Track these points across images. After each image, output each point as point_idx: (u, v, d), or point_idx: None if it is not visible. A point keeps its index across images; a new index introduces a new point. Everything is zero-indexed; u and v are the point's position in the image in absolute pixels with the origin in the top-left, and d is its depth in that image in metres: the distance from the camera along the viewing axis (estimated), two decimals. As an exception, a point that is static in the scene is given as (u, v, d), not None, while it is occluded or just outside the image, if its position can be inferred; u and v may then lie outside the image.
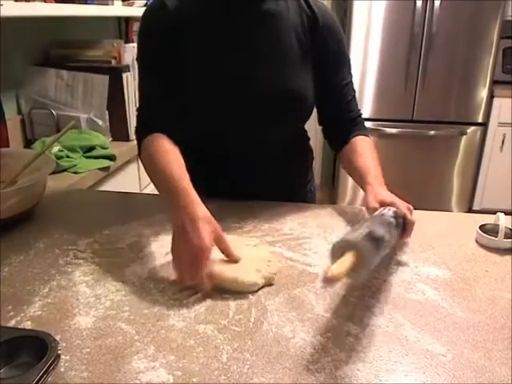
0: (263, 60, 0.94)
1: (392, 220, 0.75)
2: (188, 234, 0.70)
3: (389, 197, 0.83)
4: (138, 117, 0.98)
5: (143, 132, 0.94)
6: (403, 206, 0.81)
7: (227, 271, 0.72)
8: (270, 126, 0.98)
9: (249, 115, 0.95)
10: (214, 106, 0.95)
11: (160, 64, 0.94)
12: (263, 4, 0.93)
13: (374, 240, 0.64)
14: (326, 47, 0.98)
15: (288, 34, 0.95)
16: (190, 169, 1.03)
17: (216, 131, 0.99)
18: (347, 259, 0.59)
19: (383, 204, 0.81)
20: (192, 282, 0.70)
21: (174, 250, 0.72)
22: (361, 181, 0.92)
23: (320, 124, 1.08)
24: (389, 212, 0.77)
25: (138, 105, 1.00)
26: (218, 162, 1.03)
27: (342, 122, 1.04)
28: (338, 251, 0.62)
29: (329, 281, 0.56)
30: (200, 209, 0.73)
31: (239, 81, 0.93)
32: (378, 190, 0.86)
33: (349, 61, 1.04)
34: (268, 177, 1.04)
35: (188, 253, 0.69)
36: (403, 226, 0.79)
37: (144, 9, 0.99)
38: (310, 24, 0.96)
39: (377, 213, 0.78)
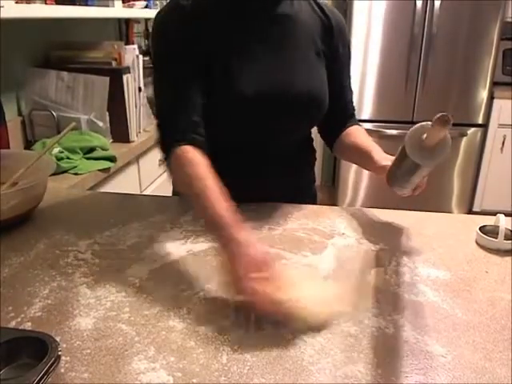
0: (280, 62, 0.94)
1: None
2: (245, 254, 0.65)
3: None
4: (164, 124, 0.92)
5: (173, 139, 0.88)
6: None
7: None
8: (286, 128, 0.98)
9: (267, 117, 0.94)
10: (231, 108, 0.93)
11: (179, 64, 0.91)
12: (278, 7, 0.93)
13: None
14: (337, 50, 1.00)
15: (303, 36, 0.96)
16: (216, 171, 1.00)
17: (231, 132, 0.97)
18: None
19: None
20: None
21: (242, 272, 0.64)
22: (365, 154, 0.95)
23: None
24: None
25: (158, 112, 0.94)
26: (230, 161, 1.01)
27: (338, 121, 1.07)
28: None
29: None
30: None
31: (257, 83, 0.92)
32: (385, 155, 0.91)
33: (351, 64, 1.07)
34: (279, 177, 1.03)
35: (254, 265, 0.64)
36: None
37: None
38: (323, 27, 0.98)
39: None
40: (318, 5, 1.00)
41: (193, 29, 0.90)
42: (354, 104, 1.10)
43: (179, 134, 0.88)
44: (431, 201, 3.06)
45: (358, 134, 1.04)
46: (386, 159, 0.89)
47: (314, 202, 1.15)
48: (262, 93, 0.92)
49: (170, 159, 0.87)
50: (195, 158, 0.83)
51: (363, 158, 0.97)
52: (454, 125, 2.91)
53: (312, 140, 1.13)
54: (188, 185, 0.80)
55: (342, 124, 1.07)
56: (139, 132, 1.90)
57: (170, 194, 1.15)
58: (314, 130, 1.12)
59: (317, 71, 0.98)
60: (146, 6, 2.08)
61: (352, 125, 1.07)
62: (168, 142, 0.89)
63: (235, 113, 0.94)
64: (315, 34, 0.97)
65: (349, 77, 1.08)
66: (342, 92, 1.06)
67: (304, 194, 1.12)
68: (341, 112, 1.07)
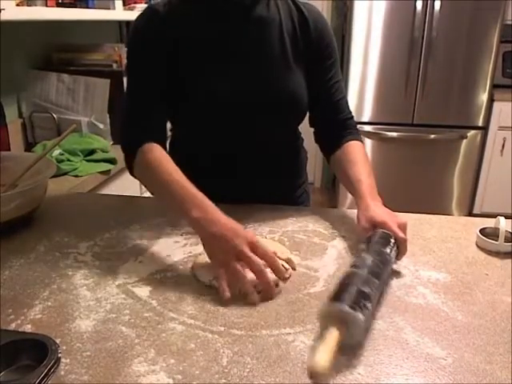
0: (257, 65, 0.95)
1: (387, 257, 0.73)
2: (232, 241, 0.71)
3: (380, 215, 0.81)
4: (128, 125, 0.96)
5: (136, 142, 0.92)
6: (394, 224, 0.78)
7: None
8: (266, 128, 0.99)
9: (245, 117, 0.95)
10: (209, 109, 0.95)
11: (152, 71, 0.94)
12: (254, 10, 0.94)
13: (362, 298, 0.61)
14: (316, 48, 0.99)
15: (280, 37, 0.95)
16: (187, 170, 1.02)
17: (212, 133, 0.99)
18: (330, 340, 0.55)
19: (373, 223, 0.80)
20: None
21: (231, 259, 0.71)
22: (354, 192, 0.90)
23: (311, 126, 1.07)
24: (384, 249, 0.74)
25: (124, 111, 0.97)
26: (214, 162, 1.03)
27: (333, 124, 1.03)
28: (325, 319, 0.60)
29: (316, 378, 0.52)
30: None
31: (232, 85, 0.94)
32: (370, 205, 0.84)
33: (338, 62, 1.03)
34: (264, 177, 1.03)
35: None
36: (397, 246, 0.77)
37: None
38: (300, 26, 0.97)
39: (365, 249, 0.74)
40: (296, 5, 0.99)
41: (164, 33, 0.92)
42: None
43: (143, 133, 0.93)
44: (431, 203, 3.07)
45: (355, 162, 0.95)
46: (365, 219, 0.82)
47: (308, 202, 1.15)
48: (237, 94, 0.93)
49: (134, 158, 0.91)
50: (161, 156, 0.89)
51: (353, 194, 0.91)
52: (455, 127, 2.90)
53: (301, 140, 1.13)
54: (156, 180, 0.86)
55: (339, 128, 1.02)
56: (139, 134, 1.89)
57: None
58: (306, 131, 1.10)
59: (293, 73, 0.97)
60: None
61: (351, 139, 1.00)
62: (132, 141, 0.93)
63: (211, 113, 0.95)
64: (291, 35, 0.97)
65: (337, 75, 1.03)
66: (329, 90, 1.01)
67: (298, 194, 1.12)
68: (332, 112, 1.03)
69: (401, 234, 0.77)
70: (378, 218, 0.80)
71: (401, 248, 0.77)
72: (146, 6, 1.95)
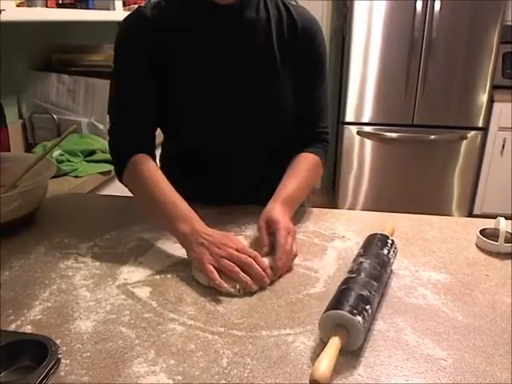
0: (244, 67, 0.94)
1: (385, 259, 0.73)
2: (216, 243, 0.75)
3: (277, 214, 0.83)
4: (117, 133, 0.97)
5: (126, 151, 0.93)
6: (283, 228, 0.80)
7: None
8: (258, 129, 0.98)
9: (236, 118, 0.95)
10: (199, 114, 0.95)
11: (139, 76, 0.93)
12: (244, 14, 0.93)
13: (361, 301, 0.61)
14: (303, 50, 0.96)
15: (269, 42, 0.94)
16: (180, 172, 1.02)
17: (205, 134, 0.98)
18: (332, 349, 0.55)
19: (269, 221, 0.82)
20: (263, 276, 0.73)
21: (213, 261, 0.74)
22: (274, 194, 0.90)
23: None
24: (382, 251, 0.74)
25: (110, 120, 0.99)
26: (209, 164, 1.02)
27: (303, 133, 1.01)
28: (326, 327, 0.60)
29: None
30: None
31: (222, 91, 0.93)
32: (276, 207, 0.85)
33: (326, 70, 1.01)
34: (262, 178, 1.02)
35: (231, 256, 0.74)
36: None
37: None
38: (288, 29, 0.96)
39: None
40: (287, 7, 0.97)
41: (152, 34, 0.91)
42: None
43: (134, 145, 0.93)
44: (431, 204, 3.07)
45: (292, 169, 0.95)
46: (264, 216, 0.84)
47: (306, 203, 1.15)
48: (226, 95, 0.93)
49: (124, 168, 0.92)
50: (151, 168, 0.90)
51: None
52: (455, 128, 2.90)
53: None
54: (146, 192, 0.87)
55: (308, 138, 1.01)
56: (140, 135, 1.90)
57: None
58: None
59: (280, 76, 0.95)
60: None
61: (310, 151, 0.99)
62: (123, 152, 0.94)
63: (203, 114, 0.95)
64: (281, 40, 0.95)
65: (321, 85, 1.00)
66: (307, 103, 1.00)
67: None
68: (307, 121, 1.01)
69: (282, 238, 0.78)
70: (273, 217, 0.83)
71: (278, 251, 0.77)
72: (146, 6, 1.96)
